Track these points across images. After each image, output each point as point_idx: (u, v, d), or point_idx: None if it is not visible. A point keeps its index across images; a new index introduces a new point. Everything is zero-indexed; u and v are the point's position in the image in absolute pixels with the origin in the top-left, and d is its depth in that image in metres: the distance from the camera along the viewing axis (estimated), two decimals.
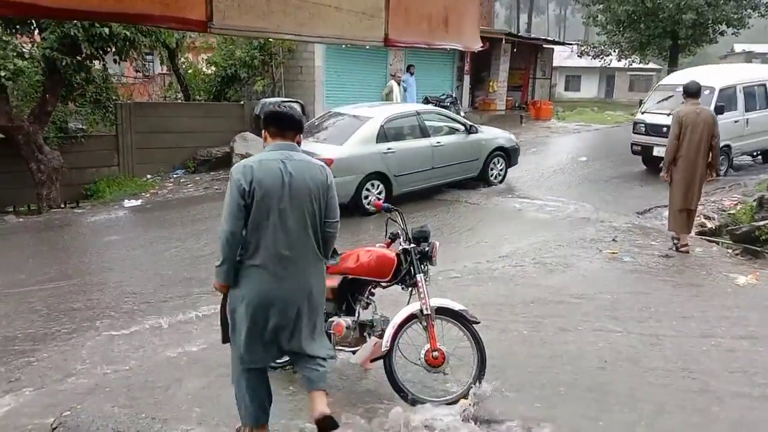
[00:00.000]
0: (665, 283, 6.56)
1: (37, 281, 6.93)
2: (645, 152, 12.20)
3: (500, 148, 11.33)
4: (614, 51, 28.56)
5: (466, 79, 20.69)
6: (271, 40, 15.09)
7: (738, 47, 47.77)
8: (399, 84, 15.82)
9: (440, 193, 10.44)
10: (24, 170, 10.53)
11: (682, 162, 7.41)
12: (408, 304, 4.09)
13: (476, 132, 10.97)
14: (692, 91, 7.50)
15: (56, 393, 4.37)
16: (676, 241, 7.59)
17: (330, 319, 4.15)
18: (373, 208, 9.20)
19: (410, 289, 4.14)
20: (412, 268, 4.06)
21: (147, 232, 9.21)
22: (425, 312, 3.92)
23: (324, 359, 3.39)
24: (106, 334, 5.41)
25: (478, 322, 4.05)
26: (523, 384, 4.34)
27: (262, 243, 3.13)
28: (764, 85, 12.30)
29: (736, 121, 11.67)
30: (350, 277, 4.18)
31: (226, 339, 3.40)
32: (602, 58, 29.40)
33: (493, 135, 11.54)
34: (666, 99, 12.07)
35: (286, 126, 3.26)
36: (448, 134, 10.64)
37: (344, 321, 4.10)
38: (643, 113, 12.45)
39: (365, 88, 16.43)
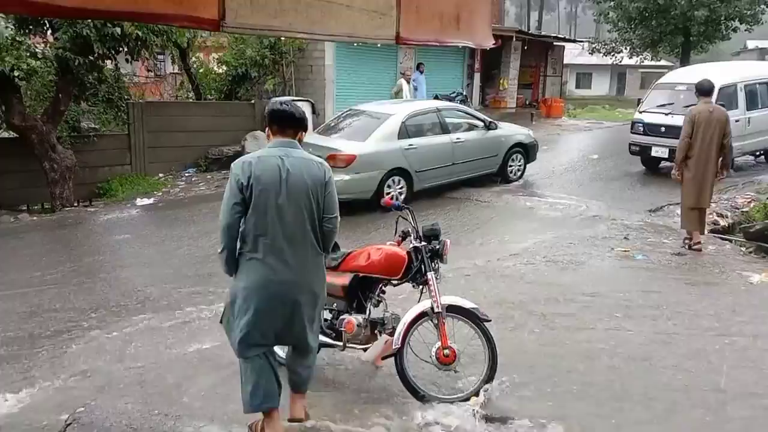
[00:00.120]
0: (678, 281, 6.52)
1: (51, 279, 7.00)
2: (643, 152, 11.97)
3: (519, 144, 11.41)
4: (625, 48, 28.40)
5: (477, 76, 20.64)
6: (281, 39, 15.15)
7: (751, 43, 47.36)
8: (408, 82, 15.81)
9: (451, 191, 10.43)
10: (37, 169, 10.62)
11: (694, 160, 7.35)
12: (419, 302, 4.09)
13: (495, 128, 11.05)
14: (705, 90, 7.45)
15: (70, 389, 4.41)
16: (688, 240, 7.54)
17: (341, 317, 4.16)
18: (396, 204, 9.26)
19: (421, 287, 4.14)
20: (422, 266, 4.05)
21: (159, 230, 9.27)
22: (436, 310, 3.92)
23: (310, 356, 3.58)
24: (119, 331, 5.45)
25: (490, 320, 4.04)
26: (535, 382, 4.33)
27: (261, 237, 3.20)
28: (767, 83, 12.01)
29: (737, 120, 11.29)
30: (361, 275, 4.18)
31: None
32: (613, 55, 29.26)
33: (512, 131, 11.64)
34: (664, 98, 11.86)
35: (286, 124, 3.33)
36: (467, 130, 10.72)
37: (355, 319, 4.10)
38: (641, 112, 12.11)
39: (376, 87, 16.43)
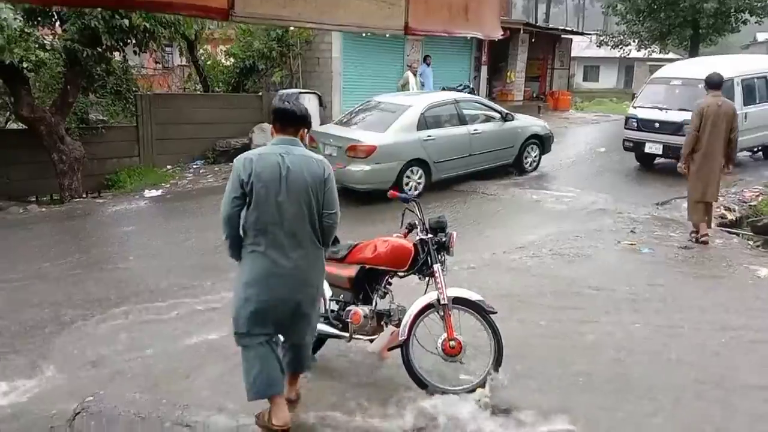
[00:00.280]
0: (684, 275, 6.51)
1: (60, 269, 7.05)
2: (637, 148, 11.70)
3: (535, 136, 11.51)
4: (634, 41, 28.15)
5: (484, 69, 20.56)
6: (290, 30, 15.13)
7: (761, 36, 46.87)
8: (415, 75, 15.76)
9: (457, 183, 10.43)
10: (46, 161, 10.67)
11: (701, 154, 7.33)
12: (425, 293, 4.10)
13: (512, 119, 11.16)
14: (714, 83, 7.41)
15: (79, 379, 4.46)
16: (695, 234, 7.52)
17: (347, 308, 4.18)
18: (413, 194, 9.34)
19: (427, 279, 4.16)
20: (429, 258, 4.07)
21: (167, 221, 9.31)
22: (442, 302, 3.94)
23: (306, 344, 3.67)
24: (128, 321, 5.49)
25: (495, 312, 4.06)
26: (541, 374, 4.34)
27: (263, 232, 3.31)
28: (765, 77, 11.64)
29: None
30: (368, 266, 4.20)
31: None
32: (621, 48, 29.01)
33: (528, 123, 11.76)
34: (658, 93, 11.60)
35: (287, 122, 3.42)
36: (484, 122, 10.85)
37: (361, 310, 4.12)
38: (635, 108, 11.84)
39: (383, 80, 16.38)
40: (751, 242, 7.69)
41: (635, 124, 11.60)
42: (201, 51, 16.70)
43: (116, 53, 11.67)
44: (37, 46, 9.74)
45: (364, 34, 15.63)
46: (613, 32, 29.60)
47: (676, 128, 10.59)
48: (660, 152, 11.17)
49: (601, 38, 29.62)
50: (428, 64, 16.50)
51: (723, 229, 8.19)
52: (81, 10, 9.50)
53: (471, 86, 18.54)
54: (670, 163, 11.45)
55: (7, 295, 6.23)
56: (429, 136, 9.83)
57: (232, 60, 16.37)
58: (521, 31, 20.58)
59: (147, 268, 7.10)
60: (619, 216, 8.65)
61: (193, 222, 9.02)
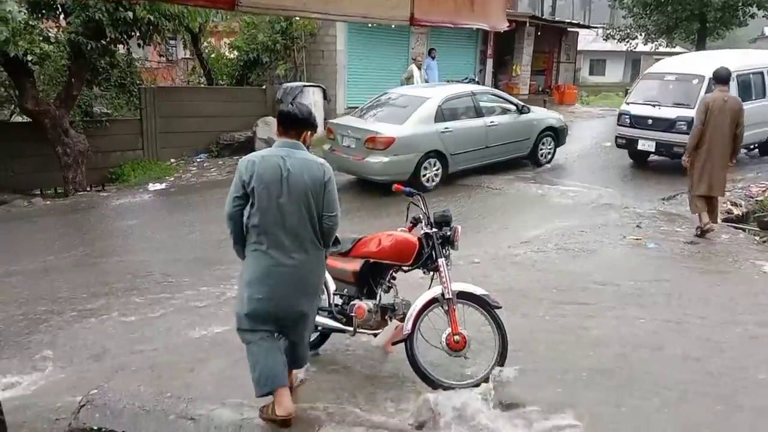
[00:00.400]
0: (690, 270, 6.48)
1: (64, 263, 7.07)
2: (629, 145, 11.43)
3: (550, 128, 11.59)
4: (640, 34, 27.96)
5: (489, 62, 20.47)
6: (293, 24, 15.08)
7: None
8: (420, 68, 15.70)
9: (462, 178, 10.40)
10: (50, 154, 10.69)
11: (705, 148, 7.31)
12: (429, 288, 4.09)
13: (527, 112, 11.24)
14: (722, 78, 7.36)
15: (83, 372, 4.47)
16: (700, 227, 7.48)
17: (352, 302, 4.17)
18: (430, 186, 9.68)
19: (432, 273, 4.14)
20: (433, 252, 4.05)
21: (171, 215, 9.32)
22: (447, 296, 3.92)
23: (304, 342, 3.69)
24: (132, 315, 5.50)
25: (500, 307, 4.04)
26: (545, 369, 4.33)
27: (264, 233, 3.39)
28: (761, 72, 11.26)
29: None
30: (372, 260, 4.19)
31: None
32: (628, 41, 28.81)
33: (543, 115, 11.88)
34: (652, 88, 11.32)
35: (289, 125, 3.48)
36: (500, 114, 10.93)
37: (366, 304, 4.11)
38: (628, 104, 11.55)
39: (387, 73, 16.33)
40: (757, 237, 7.65)
41: (628, 121, 11.30)
42: (205, 44, 16.68)
43: (120, 46, 11.66)
44: (41, 38, 9.72)
45: (369, 25, 15.58)
46: (619, 26, 29.40)
47: (669, 125, 10.46)
48: (653, 149, 10.97)
49: (608, 32, 29.43)
50: (433, 58, 16.42)
51: (729, 224, 8.15)
52: (85, 2, 9.49)
53: (476, 79, 18.47)
54: (664, 160, 11.42)
55: (11, 288, 6.25)
56: (446, 128, 9.93)
57: (236, 53, 16.34)
58: (527, 24, 20.47)
59: (151, 261, 7.10)
60: (624, 211, 8.62)
61: (196, 215, 9.02)
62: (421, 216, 4.22)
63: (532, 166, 11.49)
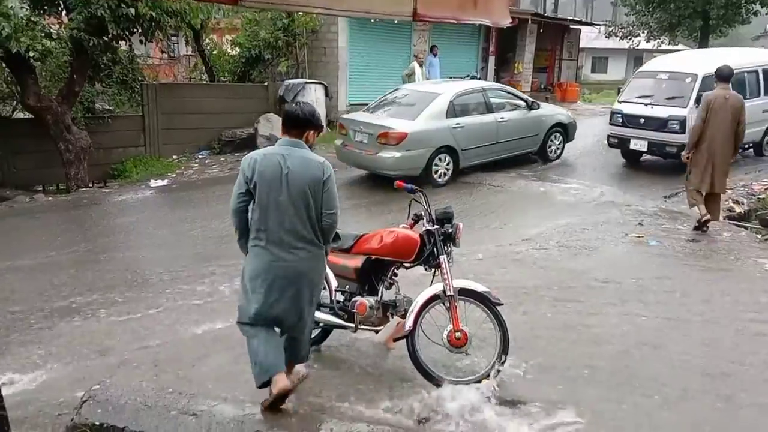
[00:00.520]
0: (692, 267, 6.47)
1: (66, 259, 7.07)
2: (622, 145, 11.24)
3: (559, 124, 11.67)
4: (643, 32, 27.90)
5: (491, 59, 20.43)
6: (295, 21, 15.05)
7: None
8: (421, 65, 15.67)
9: (464, 175, 10.40)
10: (53, 150, 10.68)
11: (705, 145, 7.33)
12: (431, 285, 4.09)
13: (537, 108, 11.32)
14: (724, 75, 7.38)
15: (86, 367, 4.48)
16: (697, 223, 7.52)
17: (353, 299, 4.18)
18: (442, 181, 9.83)
19: (433, 270, 4.15)
20: (435, 249, 4.06)
21: (173, 211, 9.33)
22: (448, 293, 3.93)
23: (303, 339, 3.73)
24: (133, 311, 5.51)
25: (501, 304, 4.04)
26: (546, 366, 4.33)
27: (263, 228, 3.47)
28: (756, 71, 11.01)
29: None
30: (374, 257, 4.19)
31: None
32: (630, 39, 28.77)
33: (552, 111, 12.01)
34: (644, 87, 11.13)
35: (291, 125, 3.56)
36: (510, 110, 11.01)
37: (367, 300, 4.12)
38: (620, 102, 11.38)
39: (389, 70, 16.30)
40: (759, 235, 7.64)
41: (620, 120, 11.13)
42: (207, 40, 16.65)
43: (122, 43, 11.65)
44: (43, 35, 9.71)
45: (372, 20, 15.54)
46: (622, 23, 29.32)
47: (661, 124, 10.35)
48: (645, 149, 10.83)
49: (610, 29, 29.37)
50: (435, 55, 16.41)
51: (731, 222, 8.15)
52: None
53: (478, 77, 18.40)
54: (659, 159, 11.37)
55: (14, 284, 6.26)
56: (458, 123, 10.02)
57: (237, 49, 16.31)
58: (529, 21, 20.42)
59: (153, 257, 7.12)
60: (626, 208, 8.61)
61: (198, 212, 9.02)
62: (423, 213, 4.22)
63: (537, 163, 11.53)
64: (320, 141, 10.48)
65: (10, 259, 7.01)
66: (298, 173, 3.43)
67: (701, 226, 7.43)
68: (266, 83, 15.22)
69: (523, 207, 9.01)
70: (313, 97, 13.64)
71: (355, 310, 4.11)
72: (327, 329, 4.45)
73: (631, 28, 28.27)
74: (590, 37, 37.24)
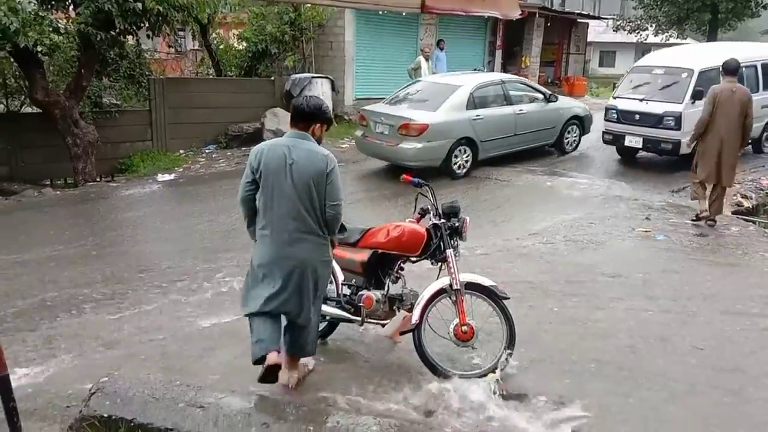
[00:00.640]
0: (699, 262, 6.45)
1: (74, 252, 7.11)
2: (617, 141, 10.94)
3: (575, 117, 11.75)
4: (651, 25, 27.77)
5: (498, 53, 20.34)
6: (302, 12, 15.02)
7: None
8: (428, 60, 15.62)
9: (471, 169, 10.36)
10: (60, 144, 10.71)
11: (711, 137, 7.34)
12: (437, 279, 4.09)
13: (555, 101, 11.43)
14: (730, 69, 7.39)
15: (94, 360, 4.51)
16: (696, 216, 7.60)
17: (360, 293, 4.19)
18: (461, 172, 9.94)
19: (440, 264, 4.15)
20: (441, 243, 4.06)
21: (180, 205, 9.35)
22: (455, 287, 3.93)
23: (308, 327, 3.76)
24: (141, 304, 5.54)
25: (508, 298, 4.05)
26: (553, 360, 4.33)
27: (268, 217, 3.60)
28: (755, 66, 10.58)
29: None
30: (380, 251, 4.19)
31: None
32: (638, 32, 28.63)
33: (569, 104, 12.13)
34: (640, 82, 10.89)
35: (298, 118, 3.66)
36: (529, 103, 11.12)
37: (374, 294, 4.12)
38: (614, 98, 11.15)
39: (396, 64, 16.24)
40: (767, 230, 7.59)
41: (615, 116, 10.86)
42: (214, 35, 16.65)
43: (129, 37, 11.65)
44: (51, 29, 9.72)
45: (380, 12, 15.53)
46: (630, 16, 29.19)
47: (656, 120, 10.11)
48: (640, 145, 10.57)
49: (618, 23, 29.25)
50: (442, 49, 16.32)
51: (739, 216, 8.11)
52: None
53: (485, 71, 18.36)
54: (654, 156, 11.24)
55: (23, 278, 6.30)
56: (477, 115, 10.13)
57: (244, 44, 16.29)
58: (537, 15, 20.34)
59: (160, 251, 7.14)
60: (633, 202, 8.58)
61: (205, 206, 9.05)
62: (430, 207, 4.22)
63: (553, 155, 11.66)
64: (327, 135, 10.47)
65: (19, 252, 7.05)
66: (302, 165, 3.52)
67: (698, 219, 7.53)
68: (273, 78, 15.20)
69: (530, 201, 8.99)
70: (320, 91, 13.62)
71: (361, 304, 4.12)
72: (333, 323, 4.46)
73: (639, 22, 28.13)
74: (598, 31, 36.99)
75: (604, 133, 11.32)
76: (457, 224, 4.11)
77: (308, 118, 3.63)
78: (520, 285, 5.55)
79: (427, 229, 4.14)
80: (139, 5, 9.70)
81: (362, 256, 4.22)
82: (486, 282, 4.03)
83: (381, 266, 4.26)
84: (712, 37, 25.63)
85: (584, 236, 7.16)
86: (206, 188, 10.18)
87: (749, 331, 4.83)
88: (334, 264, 4.22)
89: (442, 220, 4.11)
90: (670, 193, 9.25)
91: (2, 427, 3.30)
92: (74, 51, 11.18)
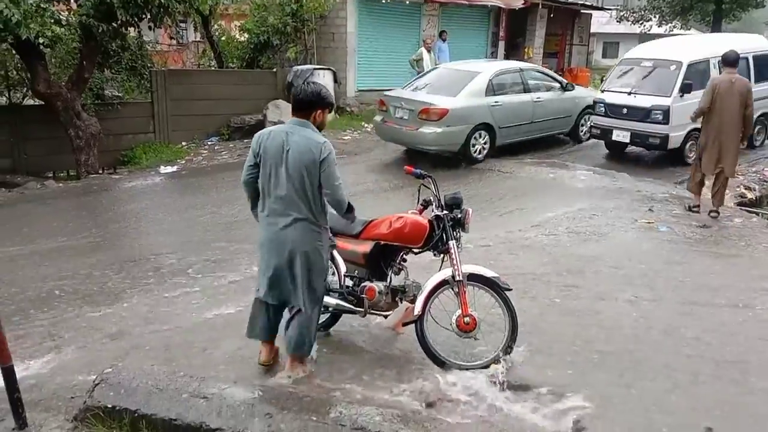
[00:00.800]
0: (702, 253, 6.45)
1: (77, 244, 7.12)
2: (604, 136, 10.80)
3: (591, 106, 11.69)
4: (655, 16, 27.60)
5: (501, 45, 20.27)
6: (304, 4, 14.95)
7: None
8: (430, 51, 15.56)
9: (473, 160, 10.36)
10: (63, 136, 10.71)
11: (711, 129, 7.36)
12: (440, 270, 4.10)
13: (572, 89, 11.65)
14: (730, 60, 7.40)
15: (98, 351, 4.52)
16: (688, 207, 7.69)
17: (362, 284, 4.19)
18: (480, 157, 10.12)
19: (442, 255, 4.15)
20: (444, 234, 4.05)
21: (182, 197, 9.36)
22: (457, 278, 3.93)
23: (302, 316, 3.83)
24: (145, 296, 5.55)
25: (510, 289, 4.04)
26: (555, 351, 4.34)
27: (267, 200, 3.73)
28: (746, 58, 10.13)
29: None
30: (382, 243, 4.19)
31: None
32: (642, 23, 28.47)
33: (585, 93, 12.33)
34: (628, 75, 10.72)
35: (297, 106, 3.75)
36: (546, 91, 11.29)
37: (376, 286, 4.13)
38: (602, 92, 10.98)
39: (398, 55, 16.21)
40: None
41: (603, 109, 10.65)
42: (215, 26, 16.60)
43: (131, 29, 11.62)
44: (53, 21, 9.69)
45: (384, 1, 15.49)
46: (633, 7, 29.03)
47: (644, 114, 9.93)
48: (628, 140, 10.36)
49: (622, 13, 29.07)
50: (444, 40, 16.28)
51: (742, 208, 8.10)
52: None
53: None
54: (642, 151, 11.14)
55: (26, 270, 6.31)
56: (496, 102, 10.30)
57: (246, 35, 16.24)
58: (540, 6, 20.25)
59: (163, 243, 7.15)
60: (636, 194, 8.57)
61: (207, 198, 9.06)
62: (432, 198, 4.22)
63: (568, 144, 11.84)
64: (329, 128, 10.46)
65: (22, 244, 7.07)
66: (296, 151, 3.60)
67: (689, 210, 7.69)
68: (275, 69, 15.17)
69: (533, 193, 8.98)
70: (322, 83, 13.58)
71: (364, 295, 4.12)
72: (336, 314, 4.47)
73: (642, 13, 27.98)
74: (601, 22, 36.79)
75: (591, 127, 11.20)
76: (459, 216, 4.10)
77: (307, 105, 3.71)
78: (523, 276, 5.55)
79: (430, 221, 4.14)
80: None
81: (365, 247, 4.22)
82: (488, 273, 4.03)
83: (383, 258, 4.26)
84: (716, 28, 25.48)
85: (587, 228, 7.15)
86: (208, 180, 10.19)
87: (752, 322, 4.83)
88: (337, 255, 4.23)
89: (445, 212, 4.10)
90: (674, 185, 9.23)
91: (7, 417, 3.32)
92: (76, 43, 11.15)
